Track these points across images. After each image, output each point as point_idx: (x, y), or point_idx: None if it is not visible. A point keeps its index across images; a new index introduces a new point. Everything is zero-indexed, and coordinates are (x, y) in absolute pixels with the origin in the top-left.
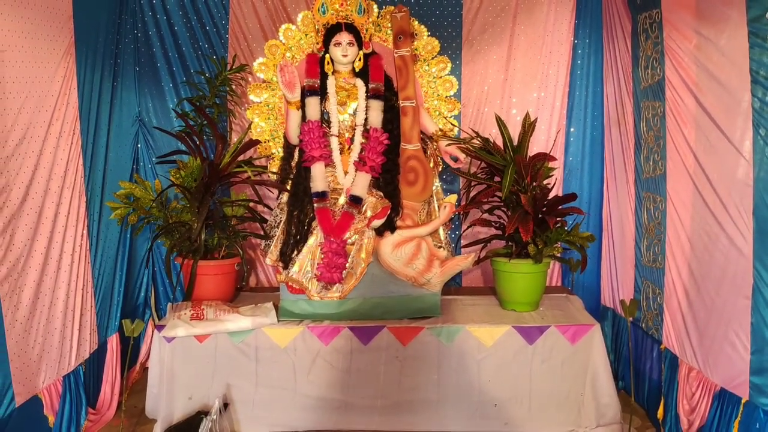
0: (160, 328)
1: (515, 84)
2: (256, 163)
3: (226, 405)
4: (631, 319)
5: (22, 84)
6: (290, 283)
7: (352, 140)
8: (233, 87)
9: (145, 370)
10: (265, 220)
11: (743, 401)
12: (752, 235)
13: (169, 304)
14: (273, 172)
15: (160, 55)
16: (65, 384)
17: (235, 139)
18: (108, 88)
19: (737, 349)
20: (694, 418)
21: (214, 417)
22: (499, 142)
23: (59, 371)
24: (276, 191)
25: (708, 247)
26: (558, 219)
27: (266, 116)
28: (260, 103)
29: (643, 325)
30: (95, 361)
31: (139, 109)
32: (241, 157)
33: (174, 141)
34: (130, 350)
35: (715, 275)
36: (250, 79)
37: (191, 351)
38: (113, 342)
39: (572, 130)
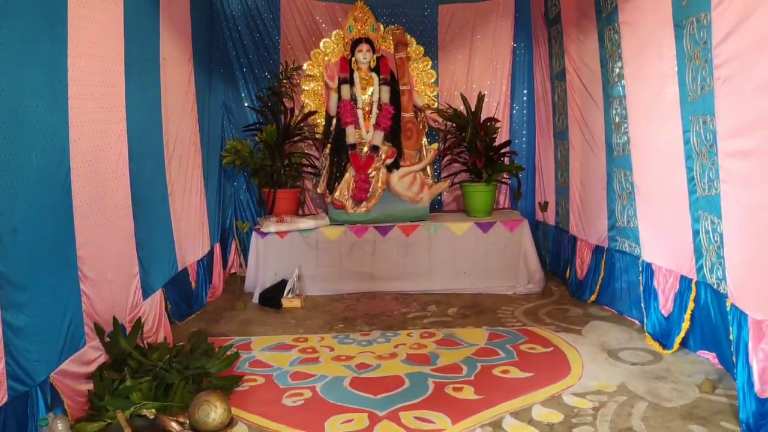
0: (257, 229)
1: (475, 74)
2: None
3: (299, 276)
4: (546, 216)
5: (172, 81)
6: (335, 202)
7: (370, 111)
8: (291, 80)
9: (231, 274)
10: (315, 166)
11: (605, 248)
12: (605, 153)
13: (260, 217)
14: (319, 133)
15: (235, 60)
16: (198, 265)
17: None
18: (207, 82)
19: (602, 220)
20: (584, 268)
21: (295, 279)
22: (465, 112)
23: (195, 256)
24: (321, 146)
25: (589, 166)
26: (501, 157)
27: (313, 98)
28: (308, 90)
29: (561, 224)
30: (210, 256)
31: (224, 97)
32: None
33: (245, 118)
34: (239, 244)
35: (591, 180)
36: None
37: (276, 243)
38: (216, 248)
39: (515, 105)
